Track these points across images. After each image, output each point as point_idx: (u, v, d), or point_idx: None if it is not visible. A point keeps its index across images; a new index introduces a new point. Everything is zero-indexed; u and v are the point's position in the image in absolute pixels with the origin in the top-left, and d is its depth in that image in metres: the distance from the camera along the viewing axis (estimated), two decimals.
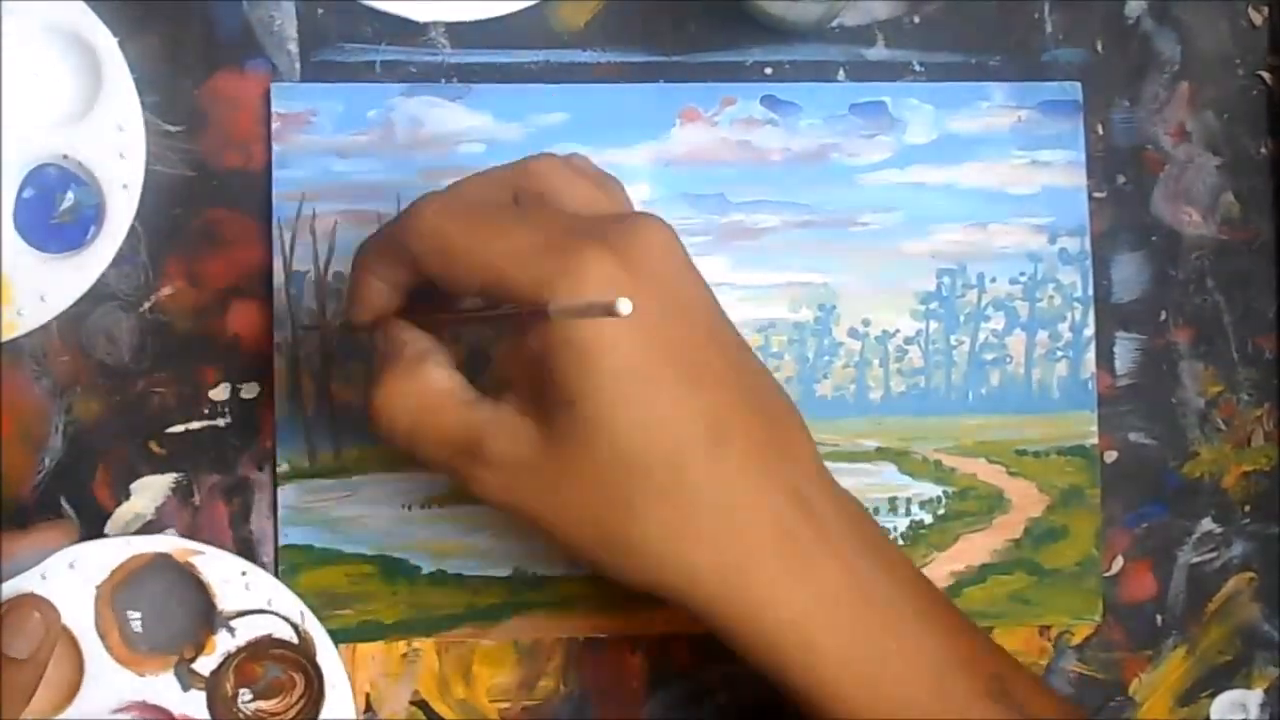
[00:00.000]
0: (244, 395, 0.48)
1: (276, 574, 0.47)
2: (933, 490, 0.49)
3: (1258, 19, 0.51)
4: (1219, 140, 0.51)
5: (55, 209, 0.47)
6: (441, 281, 0.39)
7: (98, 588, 0.44)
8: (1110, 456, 0.50)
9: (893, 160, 0.50)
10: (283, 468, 0.47)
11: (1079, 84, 0.50)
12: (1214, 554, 0.50)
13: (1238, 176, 0.51)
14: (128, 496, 0.47)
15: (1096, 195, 0.50)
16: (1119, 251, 0.50)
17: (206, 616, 0.45)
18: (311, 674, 0.46)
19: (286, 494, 0.47)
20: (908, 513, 0.49)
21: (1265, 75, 0.51)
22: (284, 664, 0.46)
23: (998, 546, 0.49)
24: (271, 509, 0.47)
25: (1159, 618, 0.50)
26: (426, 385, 0.39)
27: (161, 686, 0.45)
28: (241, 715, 0.46)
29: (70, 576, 0.44)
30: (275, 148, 0.48)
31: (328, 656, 0.46)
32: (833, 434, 0.49)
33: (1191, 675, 0.50)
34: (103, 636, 0.44)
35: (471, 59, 0.49)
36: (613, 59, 0.49)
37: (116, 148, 0.46)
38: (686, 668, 0.49)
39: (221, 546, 0.47)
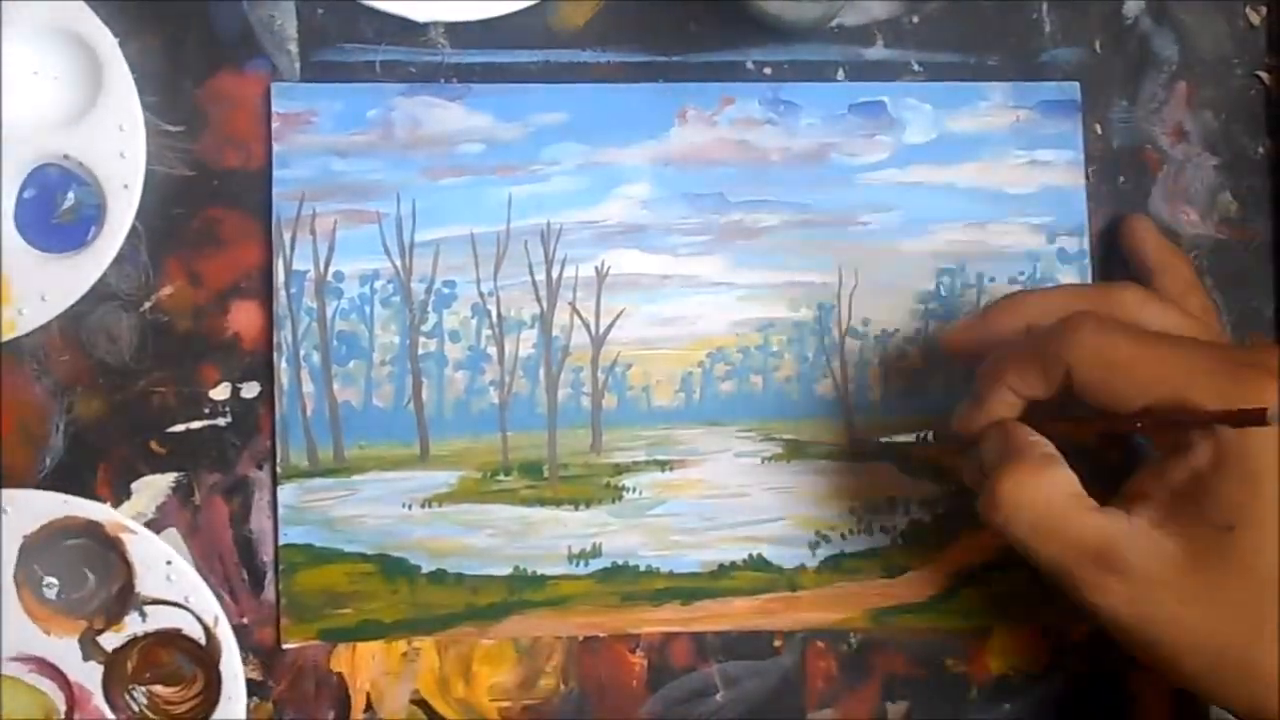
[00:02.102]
0: (244, 395, 0.48)
1: (277, 573, 0.47)
2: (932, 489, 0.49)
3: (1256, 19, 0.51)
4: (1217, 140, 0.51)
5: (56, 209, 0.47)
6: (1095, 395, 0.40)
7: (25, 538, 0.45)
8: (1110, 456, 0.50)
9: (892, 160, 0.50)
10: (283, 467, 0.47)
11: (1077, 84, 0.50)
12: None
13: (1236, 176, 0.51)
14: (128, 496, 0.47)
15: (1095, 195, 0.50)
16: (1118, 251, 0.50)
17: (122, 595, 0.46)
18: (212, 677, 0.46)
19: (286, 493, 0.47)
20: (907, 512, 0.49)
21: (1263, 75, 0.51)
22: (190, 658, 0.47)
23: (997, 546, 0.49)
24: (271, 508, 0.47)
25: None
26: (1056, 487, 0.40)
27: (64, 649, 0.46)
28: (134, 697, 0.46)
29: (3, 522, 0.45)
30: (275, 148, 0.48)
31: (231, 666, 0.46)
32: (832, 433, 0.49)
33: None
34: (18, 585, 0.45)
35: (471, 59, 0.49)
36: (612, 59, 0.49)
37: (117, 148, 0.46)
38: (686, 668, 0.49)
39: (221, 546, 0.47)
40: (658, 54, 0.49)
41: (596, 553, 0.48)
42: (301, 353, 0.48)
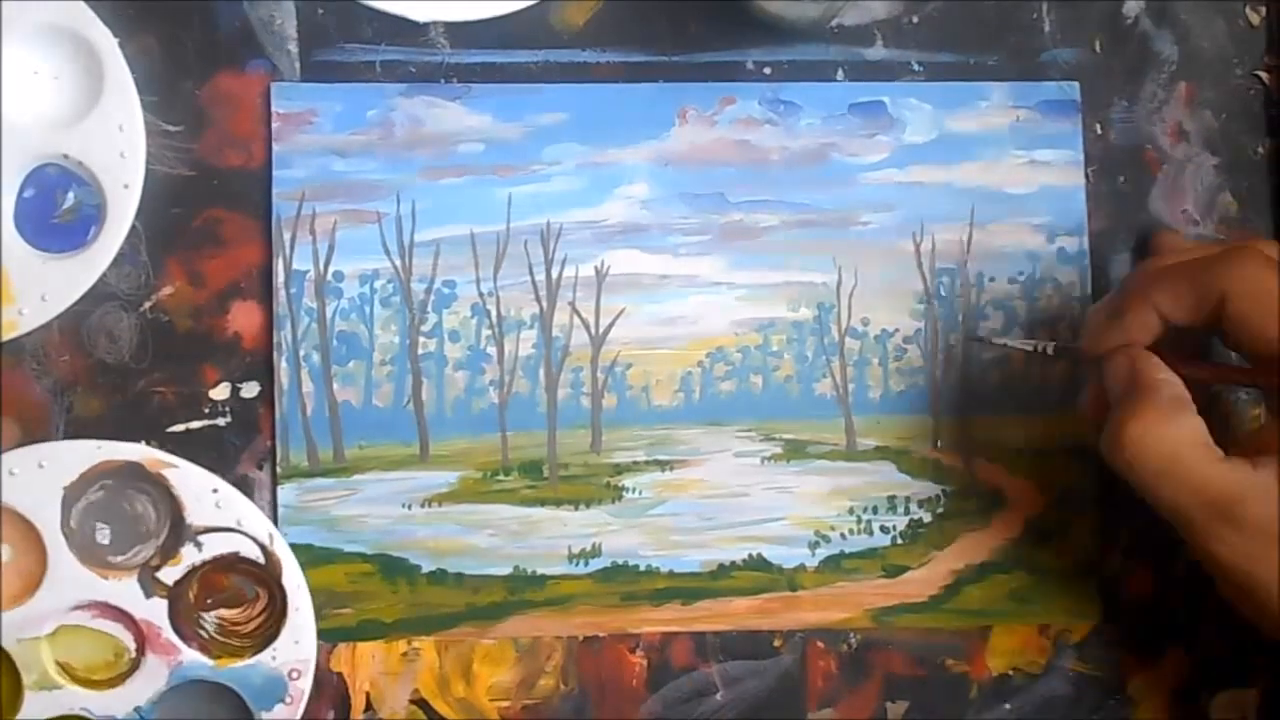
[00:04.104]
0: (244, 395, 0.48)
1: None
2: (932, 489, 0.49)
3: (1255, 19, 0.51)
4: (1217, 140, 0.51)
5: (56, 209, 0.47)
6: (1246, 329, 0.40)
7: (65, 489, 0.45)
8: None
9: (892, 160, 0.50)
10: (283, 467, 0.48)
11: (1077, 84, 0.50)
12: None
13: (1235, 176, 0.51)
14: None
15: (1095, 195, 0.50)
16: (1117, 251, 0.51)
17: (175, 529, 0.46)
18: (276, 592, 0.46)
19: (286, 493, 0.47)
20: (907, 511, 0.49)
21: (1263, 75, 0.51)
22: (250, 579, 0.47)
23: (997, 545, 0.49)
24: (271, 508, 0.47)
25: (1157, 617, 0.50)
26: (1185, 432, 0.40)
27: (124, 590, 0.46)
28: (203, 624, 0.47)
29: (38, 475, 0.45)
30: (275, 148, 0.48)
31: (293, 579, 0.46)
32: (832, 433, 0.49)
33: (1190, 674, 0.50)
34: (67, 537, 0.45)
35: (471, 59, 0.49)
36: (612, 59, 0.49)
37: (117, 147, 0.46)
38: (686, 668, 0.49)
39: None
40: (658, 54, 0.49)
41: (596, 553, 0.48)
42: (301, 353, 0.48)
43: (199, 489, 0.46)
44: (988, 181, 0.50)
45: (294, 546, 0.47)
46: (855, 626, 0.49)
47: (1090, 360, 0.44)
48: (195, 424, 0.47)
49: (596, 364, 0.49)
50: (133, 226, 0.47)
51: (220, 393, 0.48)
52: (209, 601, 0.47)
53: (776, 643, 0.49)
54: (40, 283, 0.46)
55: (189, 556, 0.46)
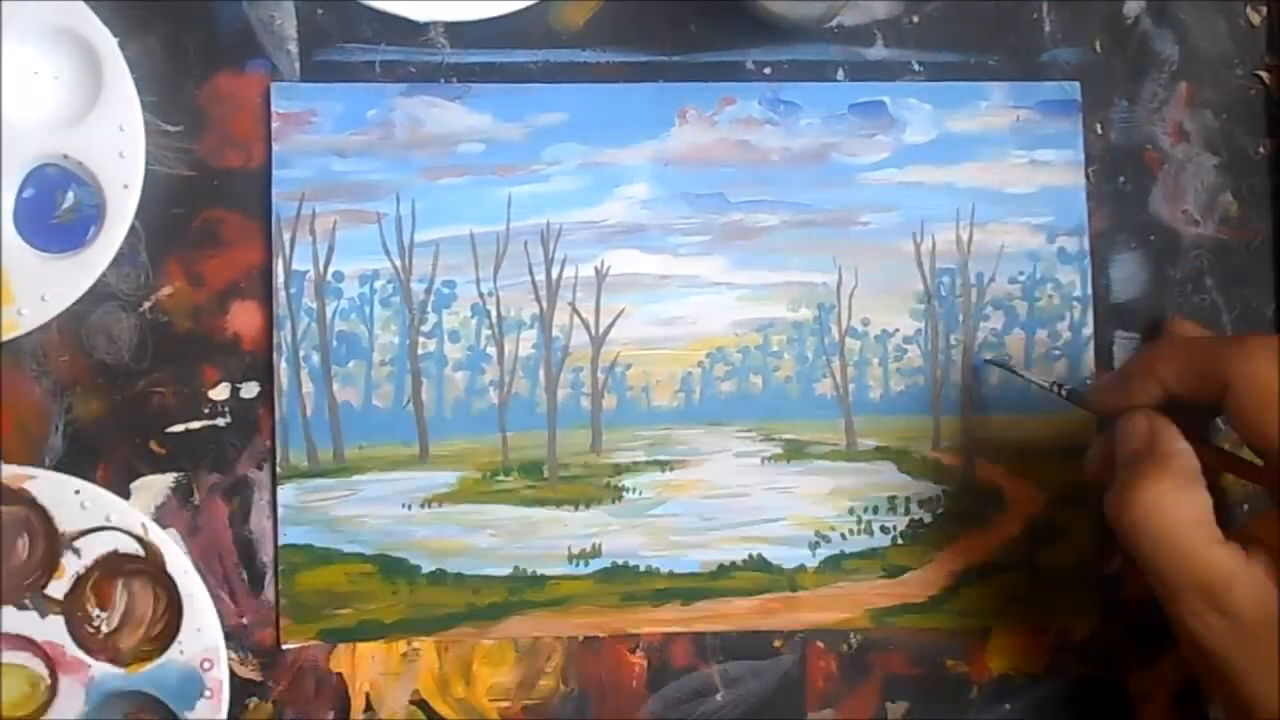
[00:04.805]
0: (244, 395, 0.48)
1: (276, 573, 0.47)
2: (932, 489, 0.49)
3: (1256, 19, 0.51)
4: (1217, 140, 0.51)
5: (56, 209, 0.47)
6: (1244, 419, 0.40)
7: None
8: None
9: (892, 160, 0.50)
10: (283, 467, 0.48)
11: (1078, 84, 0.50)
12: None
13: (1236, 176, 0.51)
14: (128, 496, 0.47)
15: (1095, 195, 0.50)
16: (1118, 251, 0.50)
17: (50, 540, 0.45)
18: (166, 583, 0.45)
19: (286, 494, 0.47)
20: (907, 512, 0.49)
21: (1263, 75, 0.51)
22: (138, 579, 0.46)
23: (997, 545, 0.49)
24: (271, 509, 0.47)
25: (1157, 617, 0.50)
26: (1191, 507, 0.40)
27: (19, 618, 0.44)
28: (102, 634, 0.46)
29: None
30: (275, 148, 0.48)
31: (178, 565, 0.45)
32: (832, 433, 0.49)
33: (1190, 675, 0.50)
34: None
35: (471, 59, 0.49)
36: (613, 59, 0.49)
37: (116, 147, 0.46)
38: (686, 668, 0.49)
39: (221, 546, 0.47)
40: (658, 54, 0.49)
41: (596, 553, 0.48)
42: (301, 353, 0.48)
43: (61, 493, 0.45)
44: (988, 181, 0.50)
45: (294, 547, 0.47)
46: (855, 627, 0.49)
47: (1097, 413, 0.44)
48: (195, 424, 0.47)
49: (596, 364, 0.49)
50: (132, 226, 0.47)
51: (220, 393, 0.48)
52: (100, 614, 0.46)
53: (776, 643, 0.49)
54: (40, 283, 0.46)
55: (71, 566, 0.45)
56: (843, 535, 0.49)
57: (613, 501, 0.49)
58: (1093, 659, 0.50)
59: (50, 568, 0.45)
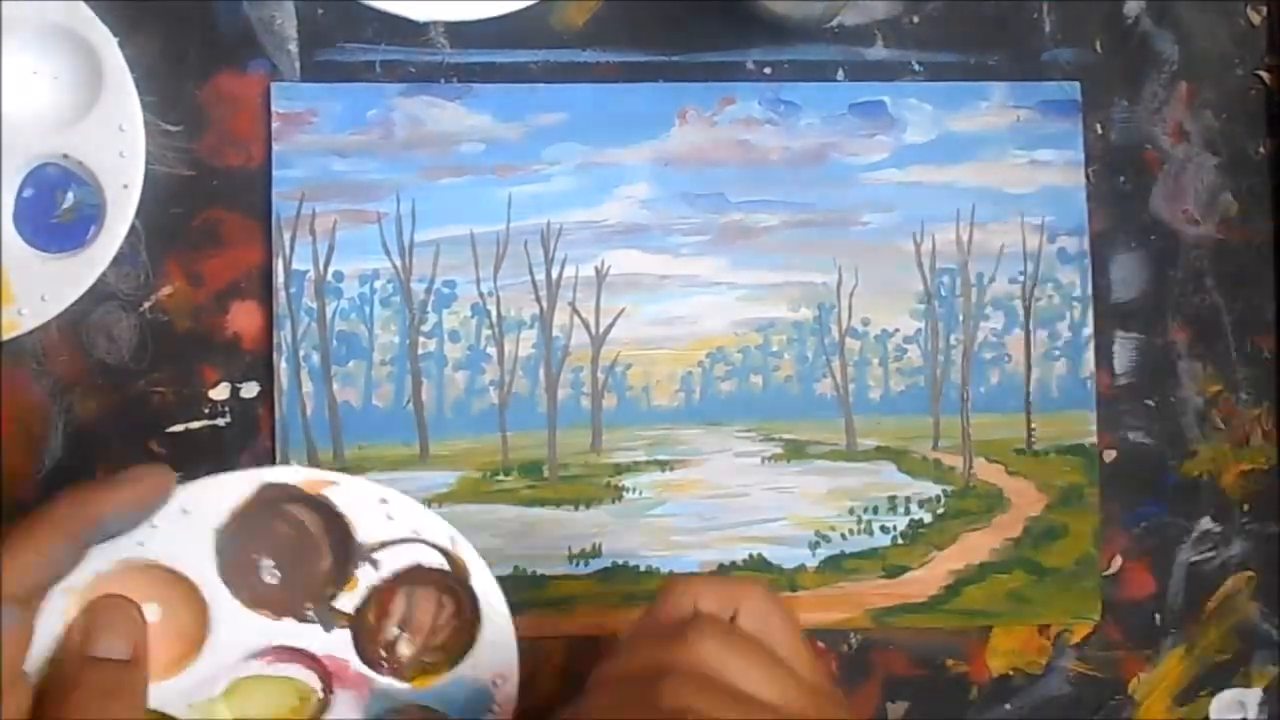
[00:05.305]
0: (244, 395, 0.48)
1: None
2: (932, 489, 0.49)
3: (1256, 19, 0.51)
4: (1217, 140, 0.51)
5: (56, 208, 0.47)
6: None
7: (217, 532, 0.39)
8: (1109, 455, 0.50)
9: (892, 160, 0.50)
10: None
11: (1078, 83, 0.50)
12: (1213, 552, 0.50)
13: (1236, 176, 0.51)
14: None
15: (1095, 195, 0.50)
16: (1118, 251, 0.51)
17: (345, 550, 0.40)
18: (464, 597, 0.41)
19: None
20: (907, 511, 0.49)
21: (1264, 75, 0.51)
22: (434, 586, 0.41)
23: (997, 545, 0.49)
24: None
25: (1158, 616, 0.50)
26: None
27: (300, 628, 0.40)
28: (394, 649, 0.41)
29: (185, 523, 0.38)
30: (275, 148, 0.48)
31: (482, 580, 0.41)
32: (832, 433, 0.49)
33: (1190, 673, 0.50)
34: (228, 583, 0.39)
35: (471, 59, 0.49)
36: (613, 59, 0.49)
37: (116, 147, 0.46)
38: None
39: None
40: (658, 54, 0.49)
41: (596, 553, 0.48)
42: (301, 353, 0.48)
43: (364, 502, 0.40)
44: (988, 181, 0.50)
45: None
46: (855, 626, 0.49)
47: None
48: (195, 424, 0.47)
49: (596, 364, 0.49)
50: (132, 226, 0.47)
51: (220, 393, 0.48)
52: (397, 622, 0.41)
53: None
54: (40, 283, 0.46)
55: (365, 578, 0.40)
56: (843, 535, 0.49)
57: (613, 501, 0.48)
58: (1093, 659, 0.50)
59: (343, 579, 0.40)
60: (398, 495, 0.40)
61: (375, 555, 0.40)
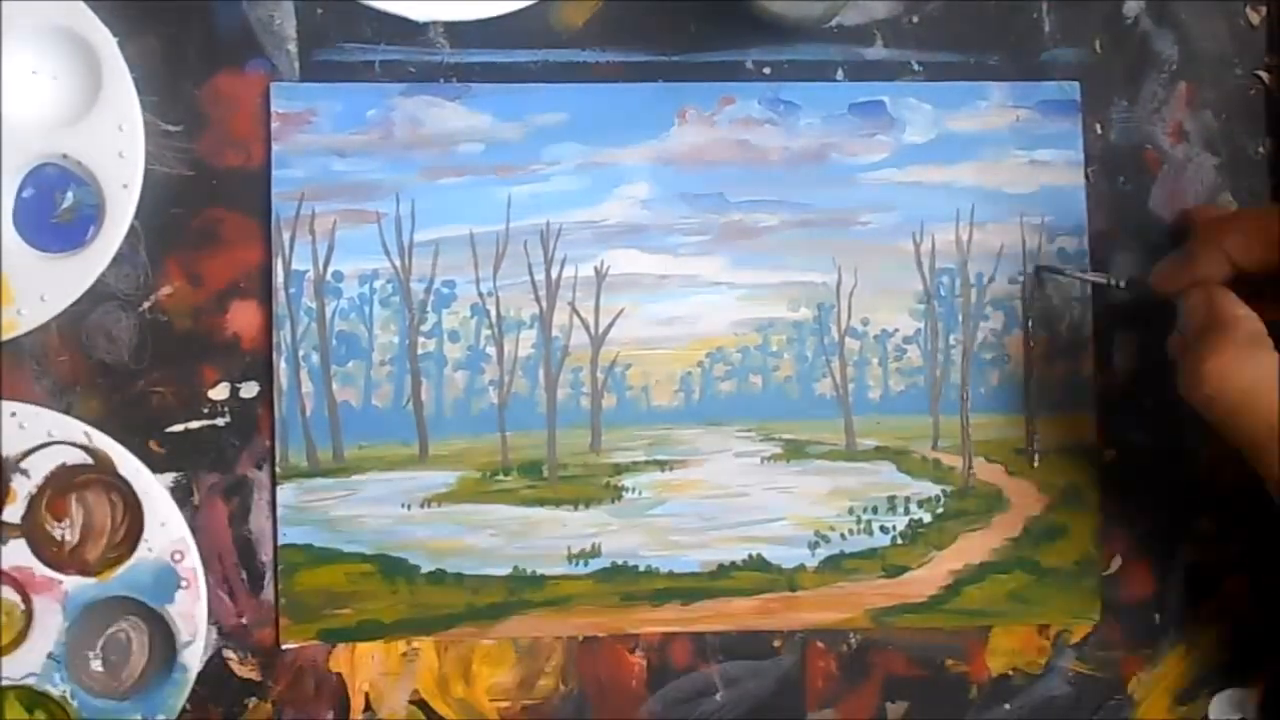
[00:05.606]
0: (244, 395, 0.48)
1: (276, 573, 0.47)
2: (932, 489, 0.49)
3: (1255, 19, 0.51)
4: (1217, 140, 0.51)
5: (55, 208, 0.47)
6: None
7: None
8: (1109, 456, 0.50)
9: (892, 159, 0.50)
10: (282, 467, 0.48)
11: (1077, 83, 0.50)
12: (1213, 553, 0.50)
13: (1236, 176, 0.51)
14: None
15: (1095, 195, 0.50)
16: (1117, 251, 0.50)
17: None
18: (120, 488, 0.46)
19: (286, 493, 0.47)
20: (906, 511, 0.49)
21: (1263, 75, 0.51)
22: (91, 490, 0.46)
23: (997, 545, 0.49)
24: (271, 508, 0.47)
25: (1157, 617, 0.50)
26: (1265, 366, 0.41)
27: None
28: (67, 548, 0.46)
29: None
30: (275, 147, 0.48)
31: (127, 464, 0.46)
32: (832, 433, 0.49)
33: (1190, 674, 0.50)
34: None
35: (471, 59, 0.49)
36: (612, 59, 0.49)
37: (116, 147, 0.46)
38: (686, 668, 0.49)
39: (221, 546, 0.47)
40: (658, 54, 0.49)
41: (596, 553, 0.48)
42: (301, 353, 0.48)
43: None
44: (988, 181, 0.50)
45: (293, 547, 0.47)
46: (855, 627, 0.49)
47: (1160, 297, 0.44)
48: (194, 424, 0.47)
49: (596, 364, 0.49)
50: (132, 226, 0.47)
51: (219, 393, 0.48)
52: (64, 528, 0.46)
53: (776, 643, 0.49)
54: (40, 283, 0.46)
55: (22, 488, 0.45)
56: (842, 535, 0.49)
57: (612, 501, 0.49)
58: (1093, 659, 0.50)
59: (1, 494, 0.45)
60: (24, 405, 0.45)
61: (22, 465, 0.45)
